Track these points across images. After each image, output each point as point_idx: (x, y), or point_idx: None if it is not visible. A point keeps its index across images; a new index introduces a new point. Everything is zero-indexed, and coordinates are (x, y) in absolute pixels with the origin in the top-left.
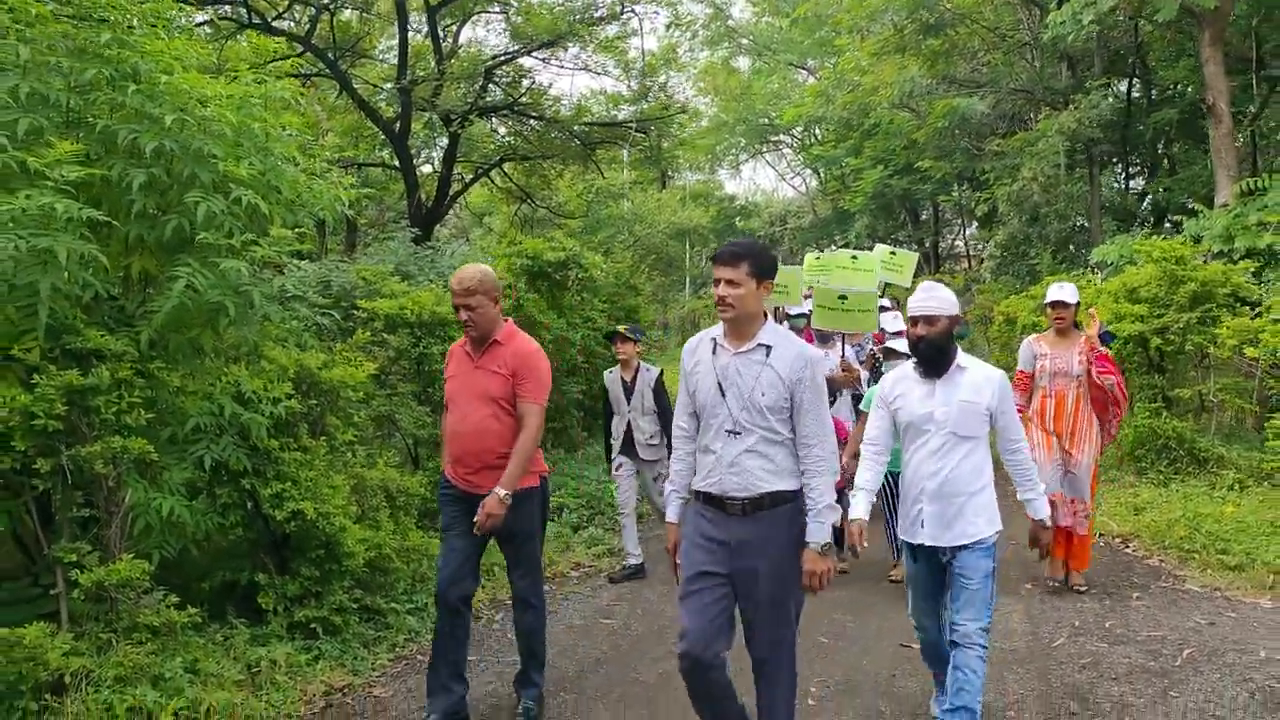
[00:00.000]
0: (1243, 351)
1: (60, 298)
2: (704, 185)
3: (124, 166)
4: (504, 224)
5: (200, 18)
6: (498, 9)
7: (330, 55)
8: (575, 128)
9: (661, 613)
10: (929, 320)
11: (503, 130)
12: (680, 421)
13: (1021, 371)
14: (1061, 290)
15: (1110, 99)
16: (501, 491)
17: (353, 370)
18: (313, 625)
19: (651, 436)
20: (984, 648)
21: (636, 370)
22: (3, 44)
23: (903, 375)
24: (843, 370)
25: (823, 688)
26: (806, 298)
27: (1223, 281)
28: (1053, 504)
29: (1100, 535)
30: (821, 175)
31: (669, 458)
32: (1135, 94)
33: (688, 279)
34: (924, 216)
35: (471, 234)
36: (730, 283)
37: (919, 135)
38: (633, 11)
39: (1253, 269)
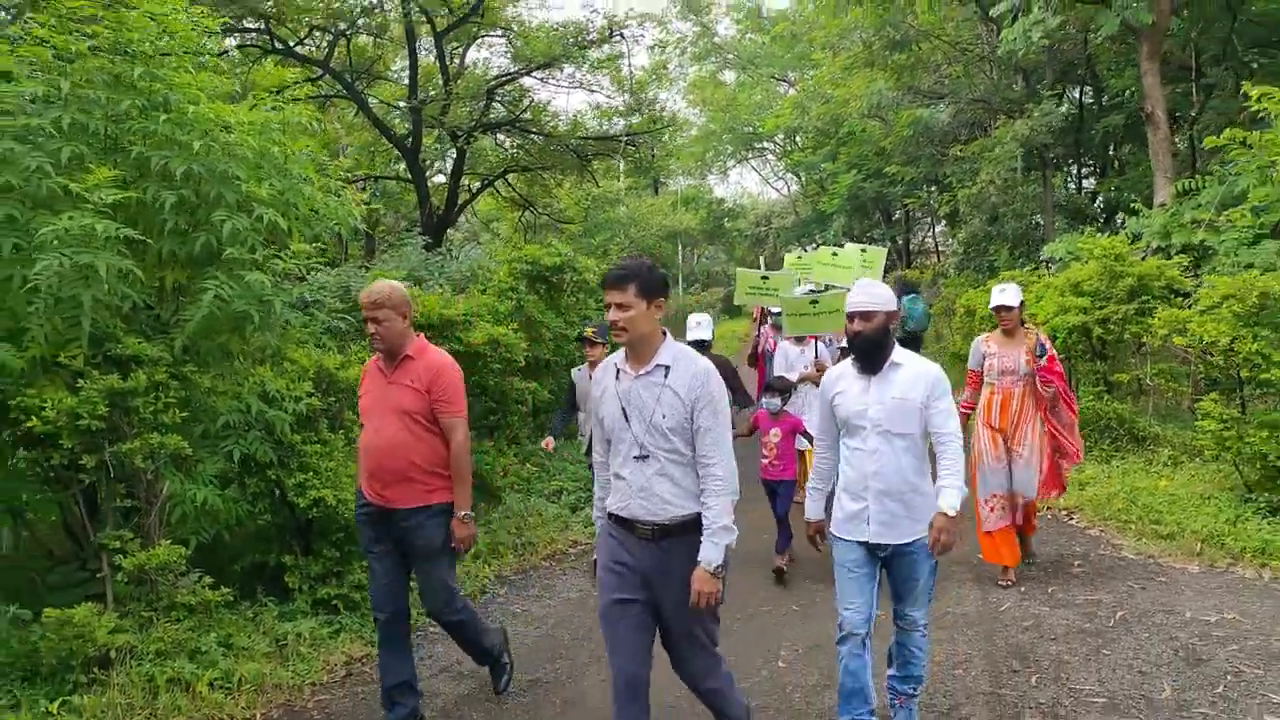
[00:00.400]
0: (1171, 340)
1: (101, 308)
2: (695, 189)
3: (157, 188)
4: (509, 229)
5: (230, 43)
6: (499, 33)
7: (347, 77)
8: (571, 142)
9: None
10: (865, 316)
11: (506, 144)
12: (597, 448)
13: (971, 371)
14: (1003, 294)
15: (1065, 105)
16: (462, 513)
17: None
18: (334, 602)
19: None
20: (926, 626)
21: None
22: (47, 79)
23: (844, 371)
24: (817, 370)
25: (792, 651)
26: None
27: (1157, 275)
28: (1001, 505)
29: (1047, 509)
30: (802, 179)
31: None
32: (1088, 99)
33: (680, 277)
34: (896, 216)
35: (481, 238)
36: (620, 305)
37: (886, 143)
38: (620, 35)
39: (1187, 263)
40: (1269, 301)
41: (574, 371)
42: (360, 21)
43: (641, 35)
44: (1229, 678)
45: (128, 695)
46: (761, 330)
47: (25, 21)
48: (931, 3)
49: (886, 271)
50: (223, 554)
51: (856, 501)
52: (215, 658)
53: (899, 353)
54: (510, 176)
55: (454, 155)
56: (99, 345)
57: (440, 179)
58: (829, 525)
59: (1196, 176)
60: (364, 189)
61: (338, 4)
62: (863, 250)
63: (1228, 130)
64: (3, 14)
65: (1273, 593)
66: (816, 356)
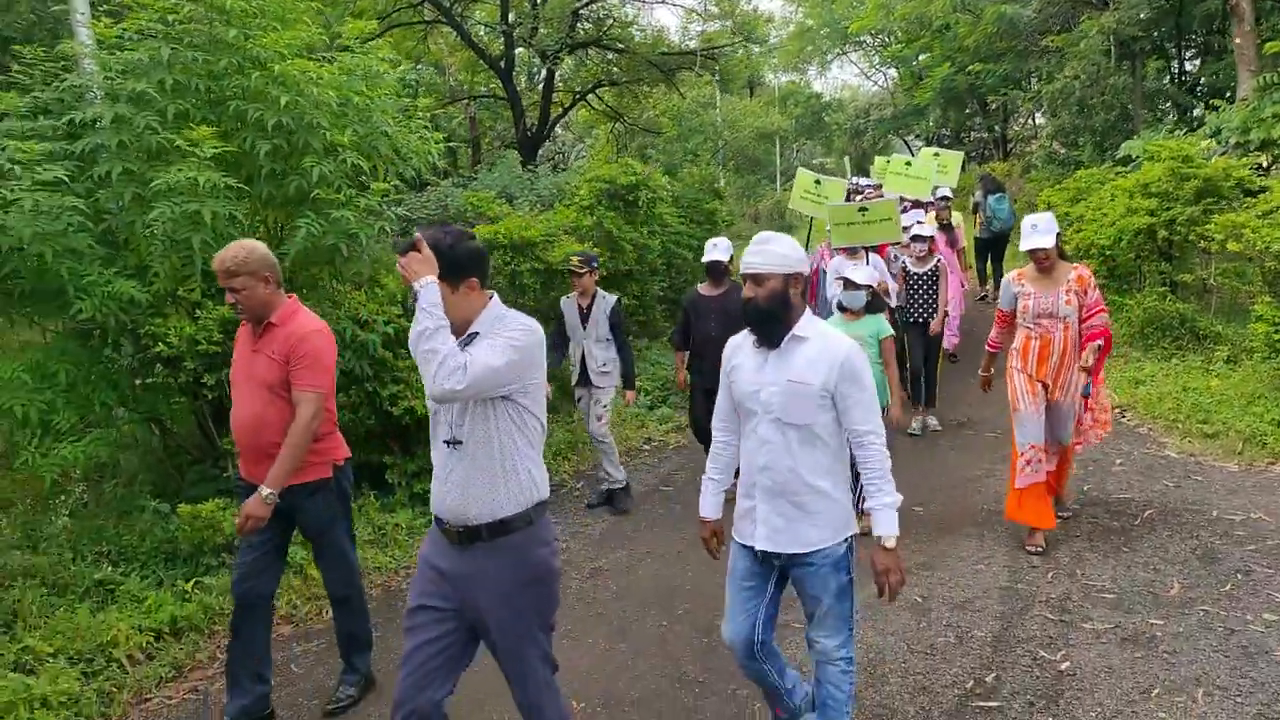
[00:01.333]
0: (1225, 246)
1: (210, 248)
2: (793, 85)
3: (253, 138)
4: (605, 138)
5: None
6: None
7: (445, 3)
8: (651, 57)
9: None
10: (756, 279)
11: (593, 60)
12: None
13: (1001, 311)
14: (1034, 233)
15: None
16: (265, 491)
17: None
18: (428, 495)
19: (604, 364)
20: (848, 660)
21: (594, 297)
22: (150, 43)
23: (744, 341)
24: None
25: None
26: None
27: (1224, 177)
28: (1039, 457)
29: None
30: (899, 72)
31: (615, 385)
32: None
33: (778, 173)
34: (993, 106)
35: (586, 140)
36: None
37: (970, 41)
38: None
39: (1263, 161)
40: None
41: (563, 301)
42: None
43: None
44: (1239, 576)
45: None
46: (819, 248)
47: None
48: None
49: (982, 162)
50: None
51: (747, 499)
52: None
53: (807, 324)
54: (600, 90)
55: (545, 74)
56: (213, 279)
57: (537, 94)
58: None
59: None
60: (468, 104)
61: None
62: (936, 154)
63: None
64: None
65: None
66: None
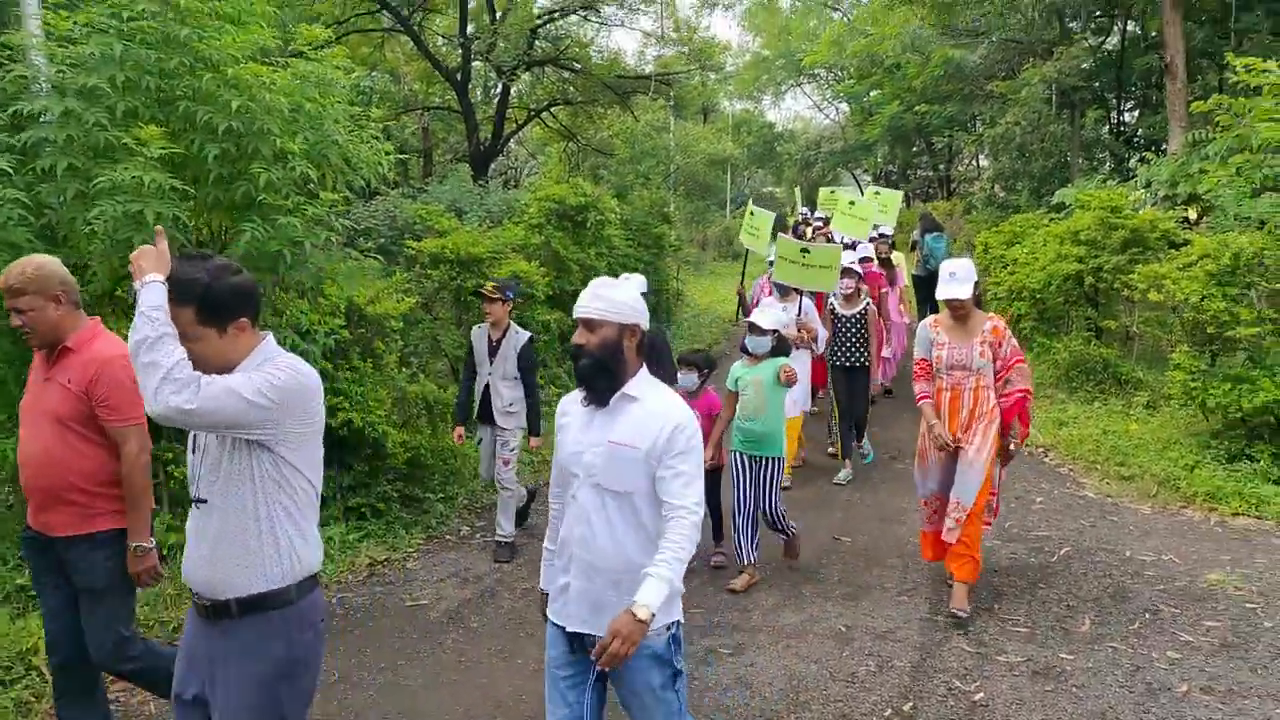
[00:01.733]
0: (1147, 296)
1: None
2: (747, 114)
3: (202, 141)
4: (557, 156)
5: None
6: None
7: (403, 12)
8: (606, 79)
9: None
10: (589, 324)
11: (549, 78)
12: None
13: (921, 360)
14: (951, 281)
15: (1113, 36)
16: (133, 545)
17: (394, 305)
18: (362, 510)
19: (510, 403)
20: None
21: (506, 330)
22: (102, 39)
23: (575, 399)
24: (799, 329)
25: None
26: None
27: (1151, 228)
28: (936, 509)
29: (1025, 447)
30: (850, 107)
31: (522, 428)
32: (1131, 32)
33: (728, 200)
34: (939, 146)
35: (538, 157)
36: (183, 335)
37: (918, 81)
38: None
39: (1195, 214)
40: (1240, 263)
41: (474, 330)
42: None
43: None
44: (1146, 615)
45: (179, 587)
46: (760, 280)
47: None
48: None
49: (926, 200)
50: None
51: (564, 573)
52: None
53: (640, 383)
54: (555, 109)
55: (501, 89)
56: None
57: (491, 110)
58: None
59: (1209, 127)
60: (421, 115)
61: None
62: (877, 193)
63: (1214, 96)
64: None
65: (1214, 536)
66: (800, 315)
